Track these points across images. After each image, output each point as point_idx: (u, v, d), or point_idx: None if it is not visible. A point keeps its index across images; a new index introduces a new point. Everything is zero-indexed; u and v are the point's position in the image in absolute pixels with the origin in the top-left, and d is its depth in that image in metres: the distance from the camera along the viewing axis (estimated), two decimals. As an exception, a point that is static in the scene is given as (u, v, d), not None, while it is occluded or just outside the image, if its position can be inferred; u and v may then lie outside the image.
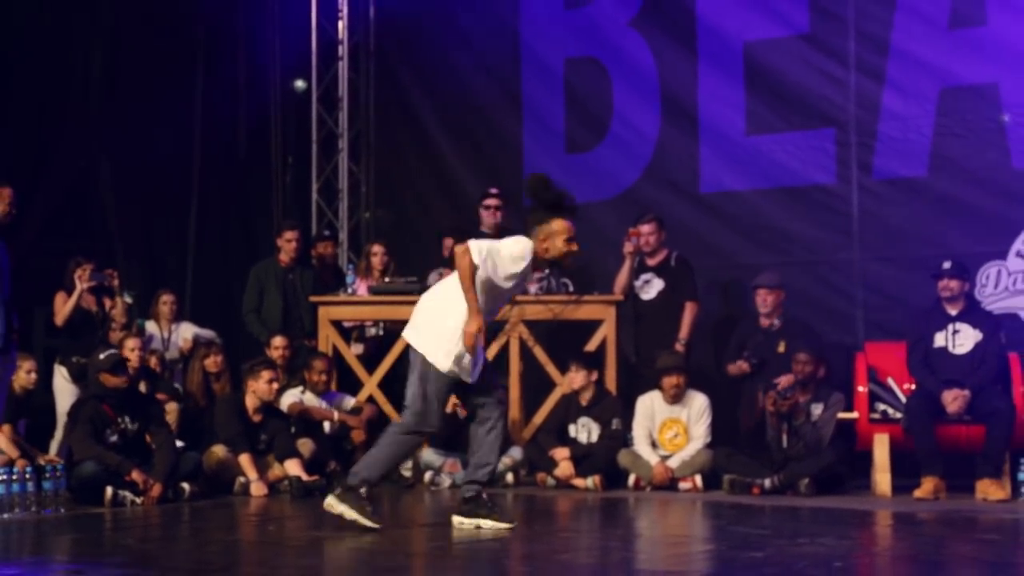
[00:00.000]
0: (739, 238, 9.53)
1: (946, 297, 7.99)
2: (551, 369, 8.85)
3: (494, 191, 9.59)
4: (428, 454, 8.62)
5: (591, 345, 8.81)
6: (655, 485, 8.22)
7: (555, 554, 5.61)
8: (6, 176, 7.73)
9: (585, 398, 8.57)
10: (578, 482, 8.29)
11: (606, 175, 10.00)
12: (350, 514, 6.06)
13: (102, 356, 7.68)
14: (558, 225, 6.17)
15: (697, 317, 8.89)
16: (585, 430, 8.57)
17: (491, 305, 6.25)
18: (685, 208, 9.67)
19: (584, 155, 10.15)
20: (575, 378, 8.55)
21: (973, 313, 8.01)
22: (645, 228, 8.94)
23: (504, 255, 6.10)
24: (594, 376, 8.61)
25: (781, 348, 8.51)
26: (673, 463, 8.26)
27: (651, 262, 9.00)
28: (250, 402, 8.23)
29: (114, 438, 7.56)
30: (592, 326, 8.84)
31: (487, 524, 6.14)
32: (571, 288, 8.91)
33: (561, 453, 8.42)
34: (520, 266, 6.13)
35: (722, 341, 9.02)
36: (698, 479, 8.20)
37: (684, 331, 8.80)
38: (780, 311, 8.70)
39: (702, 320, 8.97)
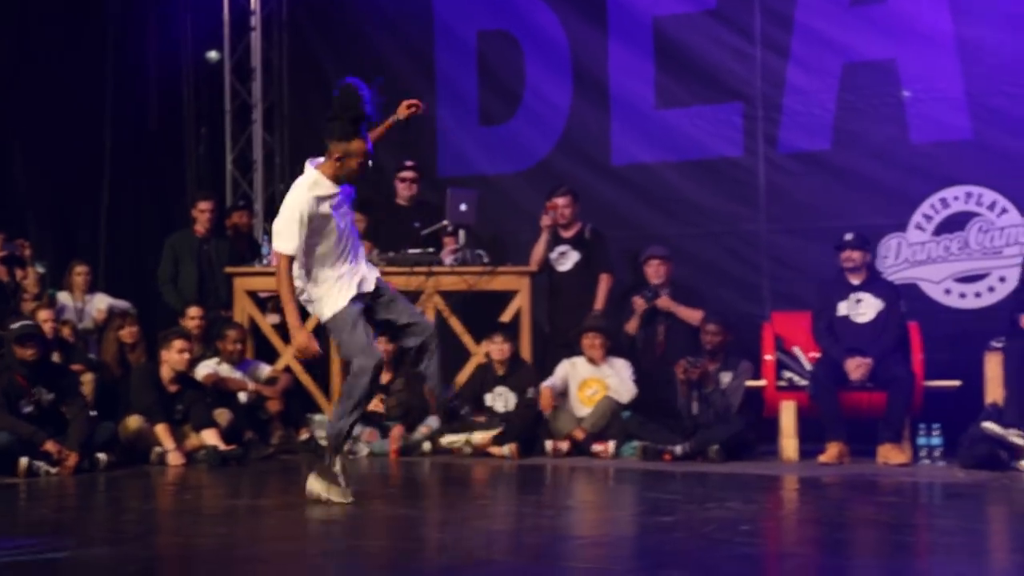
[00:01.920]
0: (649, 209, 9.61)
1: (848, 268, 8.18)
2: (467, 339, 8.91)
3: (409, 163, 9.60)
4: (345, 423, 8.66)
5: (506, 316, 8.89)
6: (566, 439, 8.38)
7: (470, 520, 5.67)
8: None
9: (501, 367, 8.67)
10: (494, 450, 8.35)
11: (519, 147, 10.01)
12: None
13: (13, 327, 7.61)
14: (357, 146, 5.88)
15: (612, 288, 9.03)
16: (501, 399, 8.65)
17: (343, 245, 5.99)
18: (597, 180, 9.72)
19: (497, 127, 10.15)
20: (503, 349, 8.60)
21: (874, 283, 8.21)
22: (560, 201, 9.02)
23: (289, 205, 5.86)
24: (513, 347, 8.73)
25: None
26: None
27: (566, 234, 9.08)
28: (166, 372, 8.22)
29: (28, 409, 7.51)
30: (507, 297, 8.93)
31: None
32: (486, 259, 8.93)
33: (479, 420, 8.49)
34: (313, 192, 5.85)
35: (631, 309, 9.12)
36: (611, 445, 8.34)
37: (600, 302, 8.91)
38: (669, 280, 8.89)
39: (612, 289, 9.05)
